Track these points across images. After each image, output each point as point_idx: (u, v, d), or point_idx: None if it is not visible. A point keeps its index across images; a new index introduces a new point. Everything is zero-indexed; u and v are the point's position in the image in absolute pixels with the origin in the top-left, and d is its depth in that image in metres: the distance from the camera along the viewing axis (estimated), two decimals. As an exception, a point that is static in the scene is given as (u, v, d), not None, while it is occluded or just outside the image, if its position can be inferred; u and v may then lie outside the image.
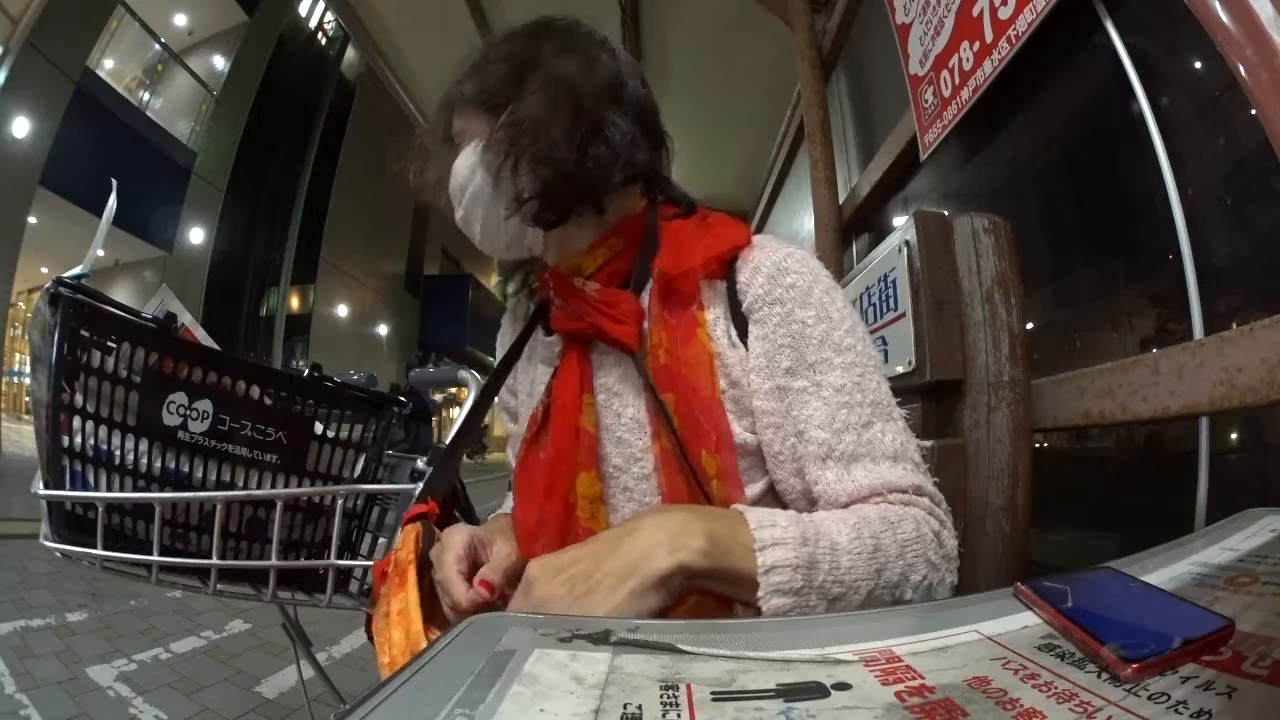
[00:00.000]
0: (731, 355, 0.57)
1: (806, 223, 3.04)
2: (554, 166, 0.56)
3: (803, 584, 0.43)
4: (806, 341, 0.55)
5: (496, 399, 0.77)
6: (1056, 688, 0.24)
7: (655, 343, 0.57)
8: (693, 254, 0.58)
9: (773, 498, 0.58)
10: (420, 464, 1.02)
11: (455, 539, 0.57)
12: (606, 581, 0.40)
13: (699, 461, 0.54)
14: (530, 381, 0.69)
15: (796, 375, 0.55)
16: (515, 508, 0.61)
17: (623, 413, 0.58)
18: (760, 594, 0.42)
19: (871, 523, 0.48)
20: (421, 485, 0.68)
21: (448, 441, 0.81)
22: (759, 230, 0.64)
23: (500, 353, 0.76)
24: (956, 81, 1.49)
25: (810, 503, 0.55)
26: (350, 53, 14.31)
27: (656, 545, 0.41)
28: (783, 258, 0.58)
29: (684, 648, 0.30)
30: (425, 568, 0.56)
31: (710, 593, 0.44)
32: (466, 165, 0.60)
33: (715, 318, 0.58)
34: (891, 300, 1.09)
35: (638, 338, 0.57)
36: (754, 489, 0.56)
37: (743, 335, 0.57)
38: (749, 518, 0.45)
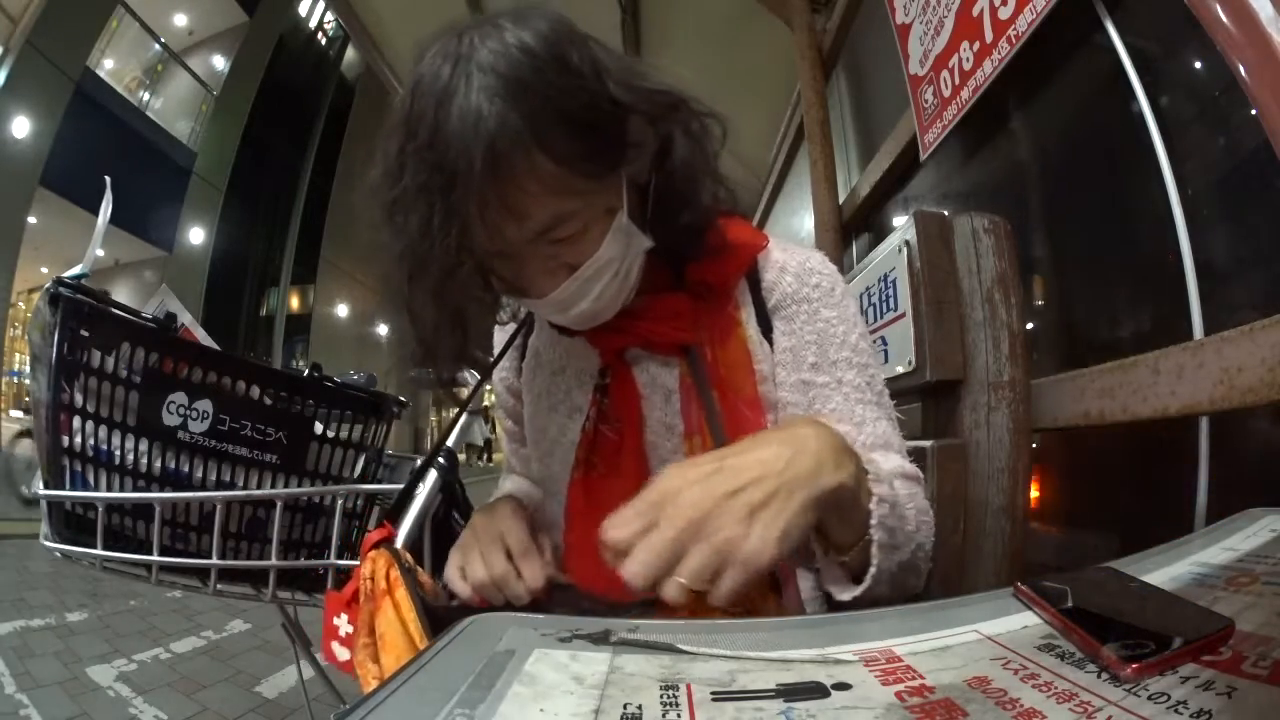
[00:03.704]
0: (760, 352, 0.59)
1: (806, 223, 3.03)
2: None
3: (893, 523, 0.45)
4: (830, 340, 0.58)
5: (495, 397, 0.76)
6: (1056, 688, 0.24)
7: (697, 342, 0.59)
8: (725, 261, 0.60)
9: None
10: (420, 464, 1.01)
11: (520, 524, 0.57)
12: (782, 492, 0.37)
13: None
14: (548, 391, 0.67)
15: (820, 371, 0.58)
16: (572, 532, 0.60)
17: (658, 415, 0.59)
18: (873, 522, 0.44)
19: (899, 490, 0.51)
20: (391, 506, 0.67)
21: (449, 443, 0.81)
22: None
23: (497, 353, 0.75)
24: (956, 81, 1.49)
25: None
26: (350, 53, 14.31)
27: (825, 461, 0.40)
28: (805, 258, 0.61)
29: (684, 648, 0.30)
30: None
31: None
32: (619, 243, 0.51)
33: (748, 316, 0.60)
34: (891, 300, 1.09)
35: (694, 334, 0.59)
36: None
37: (766, 332, 0.60)
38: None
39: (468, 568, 0.53)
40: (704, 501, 0.36)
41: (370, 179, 0.50)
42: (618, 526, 0.37)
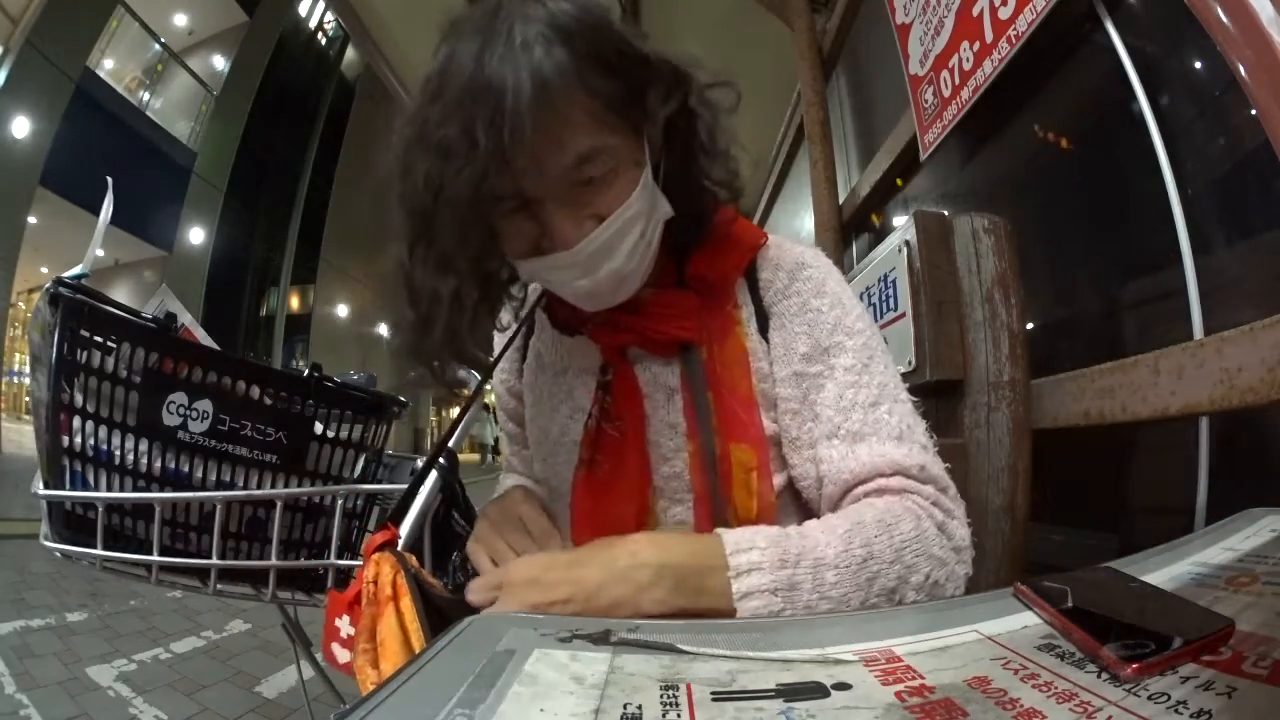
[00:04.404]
0: (759, 349, 0.59)
1: (806, 223, 3.03)
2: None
3: (782, 606, 0.43)
4: (820, 327, 0.58)
5: (495, 399, 0.76)
6: (1056, 688, 0.24)
7: (698, 341, 0.59)
8: (725, 256, 0.60)
9: (794, 488, 0.59)
10: (420, 464, 1.01)
11: (536, 509, 0.61)
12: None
13: (732, 458, 0.55)
14: (550, 392, 0.67)
15: (812, 361, 0.57)
16: (578, 529, 0.60)
17: (661, 414, 0.59)
18: (738, 619, 0.42)
19: (866, 528, 0.47)
20: (392, 508, 0.67)
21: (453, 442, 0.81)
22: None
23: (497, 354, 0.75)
24: (956, 81, 1.49)
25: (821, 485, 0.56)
26: (350, 53, 14.32)
27: (636, 595, 0.42)
28: (800, 254, 0.61)
29: (684, 648, 0.30)
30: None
31: None
32: (646, 198, 0.52)
33: (748, 315, 0.60)
34: (891, 300, 1.09)
35: (700, 332, 0.59)
36: (779, 479, 0.58)
37: (764, 330, 0.60)
38: (726, 541, 0.45)
39: (494, 553, 0.55)
40: (517, 599, 0.44)
41: (395, 132, 0.51)
42: (480, 590, 0.48)
